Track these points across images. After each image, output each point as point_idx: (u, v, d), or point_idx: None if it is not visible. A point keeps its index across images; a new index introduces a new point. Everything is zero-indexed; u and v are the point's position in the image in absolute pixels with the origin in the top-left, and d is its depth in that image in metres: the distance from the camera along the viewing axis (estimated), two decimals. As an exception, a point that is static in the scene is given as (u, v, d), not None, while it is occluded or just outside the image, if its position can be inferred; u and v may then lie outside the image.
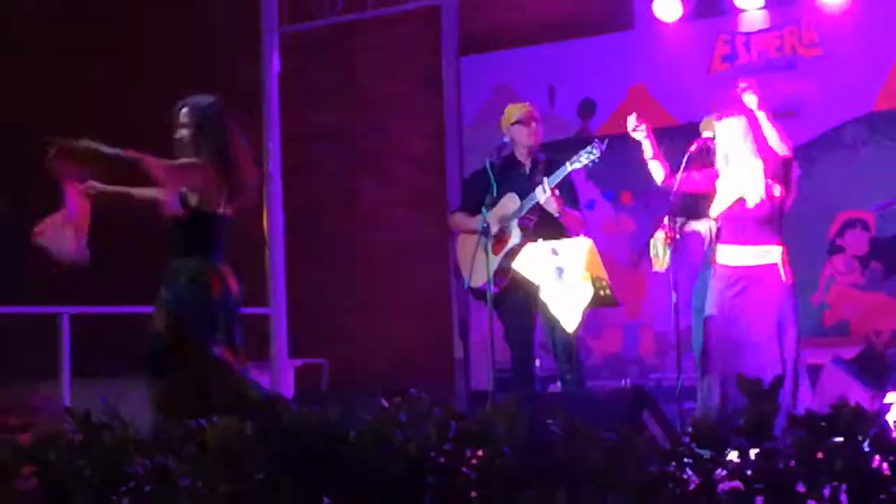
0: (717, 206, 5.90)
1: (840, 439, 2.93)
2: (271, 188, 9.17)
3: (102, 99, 9.77)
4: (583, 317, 6.22)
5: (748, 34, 9.19)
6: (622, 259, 9.07)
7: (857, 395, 6.77)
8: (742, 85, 5.80)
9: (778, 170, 5.84)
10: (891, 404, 6.19)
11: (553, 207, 6.49)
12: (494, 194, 6.60)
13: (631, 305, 9.41)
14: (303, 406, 3.67)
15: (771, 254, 5.80)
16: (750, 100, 5.72)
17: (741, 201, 5.80)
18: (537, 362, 7.72)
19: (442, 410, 3.43)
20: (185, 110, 5.21)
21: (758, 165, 5.82)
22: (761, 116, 5.75)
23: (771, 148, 5.87)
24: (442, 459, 3.37)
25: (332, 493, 3.44)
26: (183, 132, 5.19)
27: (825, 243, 8.84)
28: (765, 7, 9.06)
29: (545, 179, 6.48)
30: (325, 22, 9.37)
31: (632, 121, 6.04)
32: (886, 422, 2.96)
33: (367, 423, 3.48)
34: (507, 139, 6.72)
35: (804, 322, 7.82)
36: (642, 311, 9.44)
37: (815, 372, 7.31)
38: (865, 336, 8.54)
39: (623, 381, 8.78)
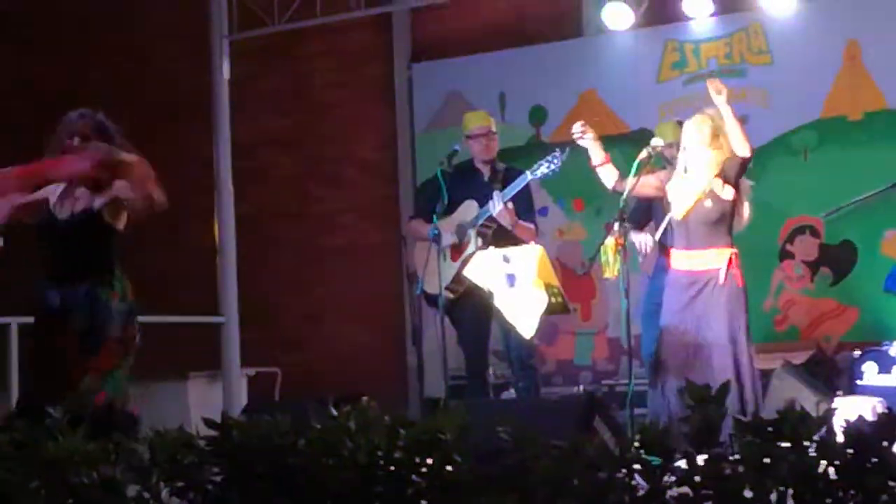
0: (681, 208, 5.89)
1: (787, 444, 2.94)
2: (221, 195, 9.14)
3: (43, 99, 9.68)
4: (539, 323, 6.24)
5: (697, 41, 9.25)
6: (574, 266, 9.10)
7: (806, 400, 6.82)
8: (711, 82, 5.82)
9: (731, 171, 5.86)
10: (837, 409, 6.21)
11: (506, 221, 6.51)
12: (445, 202, 6.60)
13: (583, 312, 9.45)
14: (255, 416, 3.64)
15: (723, 256, 5.82)
16: (719, 97, 5.74)
17: (700, 203, 5.82)
18: (491, 370, 7.74)
19: (392, 418, 3.42)
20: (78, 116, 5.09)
21: (718, 167, 5.86)
22: (727, 114, 5.77)
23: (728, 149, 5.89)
24: (392, 468, 3.36)
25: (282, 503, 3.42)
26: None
27: (775, 249, 8.90)
28: (714, 15, 9.12)
29: (496, 194, 6.49)
30: (275, 28, 9.36)
31: (577, 127, 6.05)
32: (832, 426, 2.97)
33: (316, 432, 3.46)
34: (457, 146, 6.73)
35: (754, 328, 7.90)
36: (595, 318, 9.47)
37: (764, 377, 7.37)
38: (815, 341, 8.61)
39: (576, 388, 8.81)
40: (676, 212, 5.88)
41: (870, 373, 7.46)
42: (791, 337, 8.77)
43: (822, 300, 8.80)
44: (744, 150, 5.79)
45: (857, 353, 7.68)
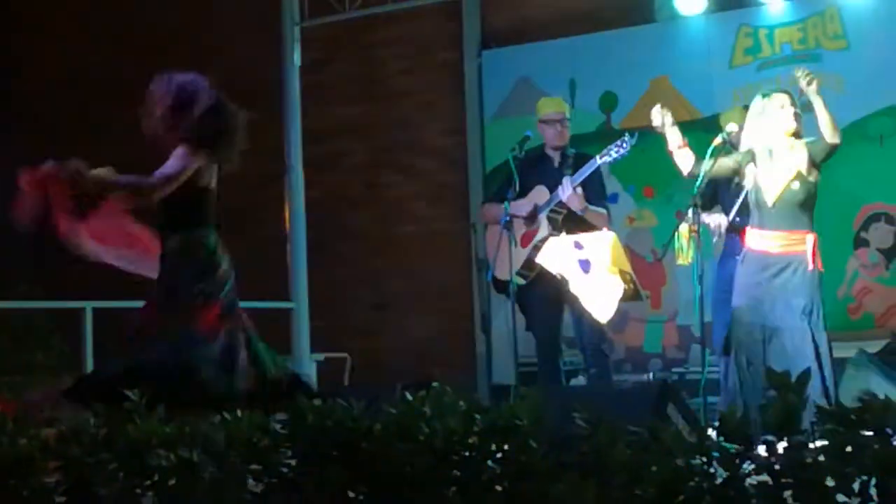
0: (773, 192, 5.81)
1: (870, 433, 2.90)
2: (292, 182, 9.19)
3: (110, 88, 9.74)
4: (618, 309, 6.21)
5: (771, 26, 9.14)
6: (644, 252, 9.05)
7: (881, 389, 6.73)
8: (801, 71, 5.74)
9: (818, 155, 5.78)
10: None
11: (576, 206, 6.48)
12: (517, 188, 6.58)
13: (653, 299, 9.39)
14: (326, 401, 3.65)
15: (803, 241, 5.75)
16: (809, 87, 5.66)
17: (789, 186, 5.75)
18: (562, 356, 7.72)
19: (467, 403, 3.41)
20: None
21: (805, 149, 5.80)
22: (818, 103, 5.69)
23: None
24: (467, 453, 3.35)
25: (357, 488, 3.42)
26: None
27: (850, 236, 8.79)
28: (788, -1, 9.02)
29: (566, 179, 6.47)
30: (346, 16, 9.38)
31: (657, 112, 5.99)
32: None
33: (391, 417, 3.46)
34: (529, 133, 6.71)
35: (829, 315, 7.81)
36: (665, 305, 9.41)
37: (838, 365, 7.28)
38: (890, 330, 8.49)
39: (647, 375, 8.77)
40: (768, 196, 5.78)
41: (947, 362, 7.36)
42: (865, 325, 8.65)
43: (896, 288, 8.69)
44: (833, 138, 5.70)
45: (931, 341, 7.57)
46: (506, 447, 3.31)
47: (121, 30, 11.03)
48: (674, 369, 8.75)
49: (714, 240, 6.33)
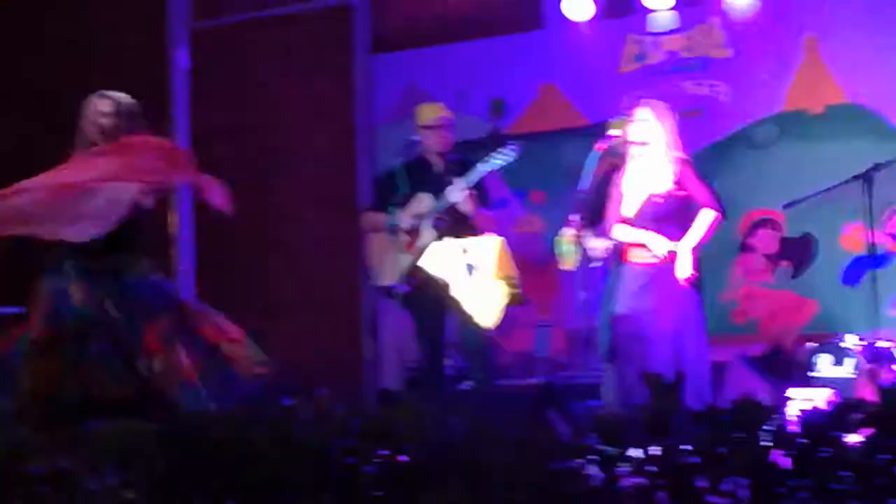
0: (633, 203, 5.88)
1: (740, 434, 2.93)
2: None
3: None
4: (502, 314, 6.22)
5: (658, 34, 9.26)
6: (533, 257, 9.09)
7: (761, 391, 6.85)
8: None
9: (686, 166, 5.86)
10: (791, 399, 6.25)
11: (468, 208, 6.48)
12: (402, 194, 6.57)
13: (542, 304, 9.44)
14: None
15: (676, 249, 5.81)
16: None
17: (652, 196, 5.81)
18: (449, 361, 7.72)
19: (345, 408, 3.39)
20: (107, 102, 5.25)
21: (670, 158, 5.84)
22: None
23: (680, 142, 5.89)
24: (345, 458, 3.33)
25: (233, 495, 3.38)
26: (105, 122, 5.21)
27: (736, 242, 8.92)
28: (674, 7, 9.13)
29: (459, 181, 6.46)
30: (234, 18, 9.30)
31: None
32: (785, 416, 2.96)
33: (268, 423, 3.42)
34: (416, 138, 6.70)
35: (713, 320, 7.91)
36: (553, 310, 9.46)
37: (721, 369, 7.39)
38: (773, 334, 8.64)
39: (534, 380, 8.80)
40: (628, 208, 5.85)
41: (824, 365, 7.50)
42: (749, 330, 8.79)
43: (781, 293, 8.83)
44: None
45: (812, 344, 7.71)
46: (383, 452, 3.29)
47: None
48: (562, 374, 8.79)
49: (598, 264, 6.30)
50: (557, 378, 8.61)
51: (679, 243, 5.82)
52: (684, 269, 5.78)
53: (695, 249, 5.86)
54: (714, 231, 5.88)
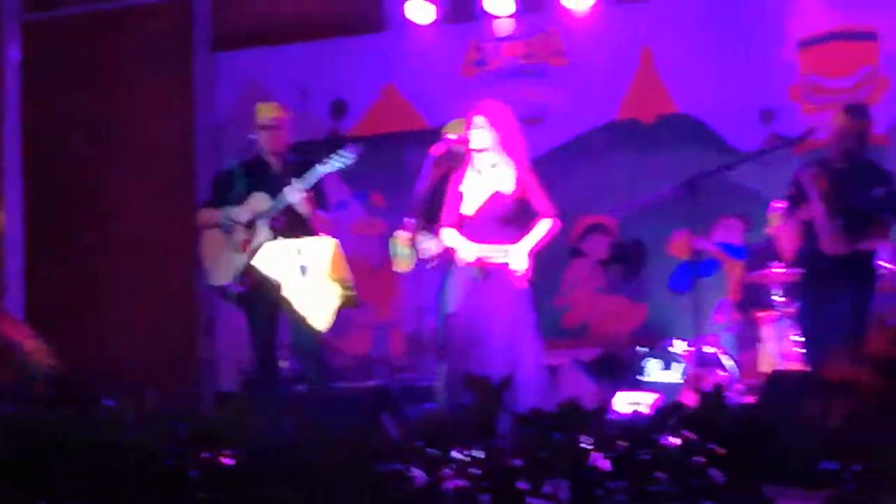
0: (472, 205, 5.92)
1: (563, 437, 2.98)
2: (8, 180, 8.86)
3: None
4: (334, 317, 6.20)
5: (498, 40, 9.36)
6: (372, 260, 9.10)
7: (591, 395, 6.98)
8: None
9: (526, 171, 5.92)
10: (613, 403, 6.37)
11: (304, 210, 6.44)
12: (241, 193, 6.50)
13: (380, 306, 9.45)
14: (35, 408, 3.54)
15: (509, 253, 5.85)
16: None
17: (491, 199, 5.85)
18: (284, 363, 7.67)
19: (169, 410, 3.35)
20: None
21: (509, 163, 5.89)
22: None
23: (520, 148, 5.94)
24: (170, 460, 3.29)
25: (56, 497, 3.32)
26: None
27: (568, 247, 9.06)
28: (514, 14, 9.24)
29: (296, 181, 6.42)
30: (68, 11, 9.10)
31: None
32: (606, 420, 3.03)
33: (93, 424, 3.37)
34: (254, 136, 6.64)
35: (545, 323, 8.02)
36: (391, 312, 9.48)
37: (553, 373, 7.50)
38: (604, 338, 8.80)
39: (369, 382, 8.80)
40: (469, 209, 5.90)
41: (652, 369, 7.68)
42: (581, 334, 8.94)
43: (611, 298, 9.01)
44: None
45: (642, 349, 7.88)
46: (209, 454, 3.26)
47: None
48: (399, 376, 8.81)
49: (428, 266, 6.31)
50: (394, 380, 8.62)
51: (516, 245, 5.87)
52: (520, 266, 5.83)
53: (530, 253, 5.93)
54: (550, 238, 5.96)
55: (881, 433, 2.42)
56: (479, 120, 5.88)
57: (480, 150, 5.88)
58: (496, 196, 5.85)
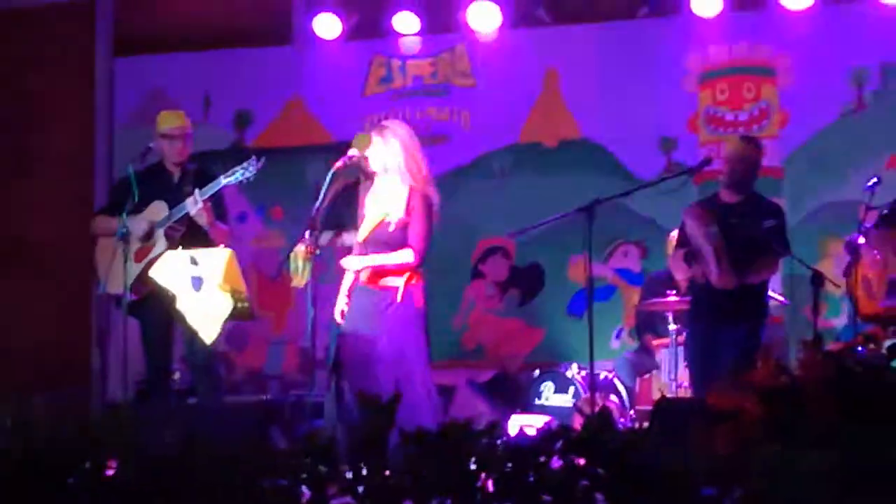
0: (365, 227, 5.86)
1: (448, 456, 2.97)
2: None
3: None
4: (222, 329, 6.12)
5: (404, 58, 9.37)
6: (270, 273, 9.03)
7: (485, 416, 6.98)
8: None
9: (418, 197, 5.84)
10: (499, 424, 6.36)
11: (203, 220, 6.37)
12: (136, 200, 6.41)
13: (277, 320, 9.39)
14: None
15: (399, 275, 5.77)
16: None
17: (380, 225, 5.79)
18: (176, 375, 7.58)
19: (51, 418, 3.28)
20: None
21: (405, 186, 5.80)
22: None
23: (421, 171, 5.86)
24: (50, 468, 3.22)
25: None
26: None
27: (468, 268, 9.09)
28: (421, 33, 9.26)
29: (197, 192, 6.34)
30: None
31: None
32: (494, 441, 3.03)
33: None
34: (151, 144, 6.56)
35: (443, 344, 8.02)
36: (288, 327, 9.42)
37: (449, 393, 7.51)
38: (500, 360, 8.83)
39: (264, 397, 8.73)
40: (362, 231, 5.83)
41: (547, 392, 7.73)
42: (478, 355, 8.96)
43: (509, 320, 9.04)
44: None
45: (537, 372, 7.92)
46: (90, 464, 3.20)
47: None
48: (293, 392, 8.74)
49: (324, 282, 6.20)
50: (288, 396, 8.56)
51: (367, 257, 5.78)
52: (351, 265, 5.77)
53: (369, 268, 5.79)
54: (400, 268, 5.83)
55: (762, 460, 2.46)
56: (377, 140, 5.82)
57: (377, 171, 5.83)
58: (384, 222, 5.77)
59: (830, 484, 2.27)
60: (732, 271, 6.05)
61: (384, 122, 6.05)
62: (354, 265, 5.81)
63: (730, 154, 6.44)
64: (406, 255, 5.71)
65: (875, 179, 5.91)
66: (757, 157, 6.45)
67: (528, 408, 7.69)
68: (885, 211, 6.00)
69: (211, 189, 6.39)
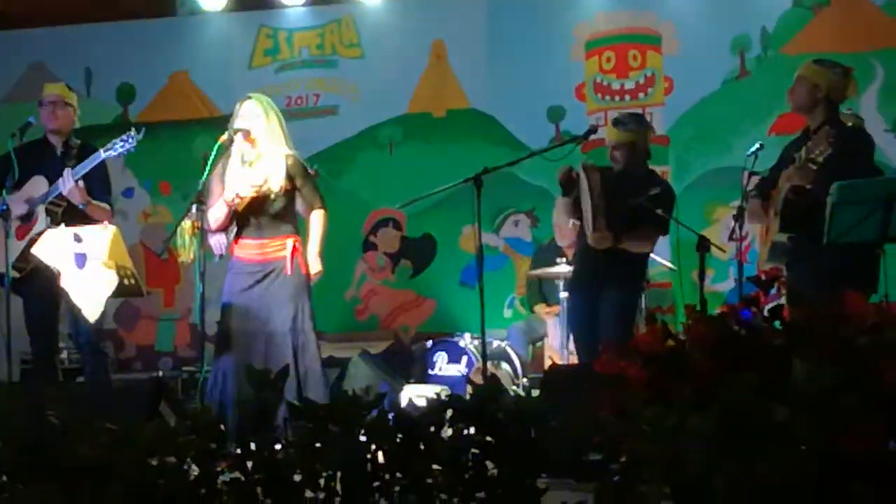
0: (242, 200, 5.81)
1: (338, 429, 2.96)
2: None
3: None
4: (105, 306, 6.02)
5: (291, 30, 9.29)
6: (159, 249, 8.91)
7: (380, 388, 6.97)
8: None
9: (295, 162, 5.86)
10: (388, 394, 6.36)
11: (77, 199, 6.22)
12: (16, 177, 6.26)
13: (166, 297, 9.29)
14: None
15: (284, 247, 5.80)
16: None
17: (264, 192, 5.77)
18: (64, 353, 7.45)
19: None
20: None
21: (279, 153, 5.81)
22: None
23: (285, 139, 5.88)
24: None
25: None
26: None
27: (359, 240, 9.07)
28: (308, 4, 9.19)
29: (67, 171, 6.20)
30: None
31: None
32: (383, 412, 3.01)
33: None
34: (32, 119, 6.40)
35: (336, 317, 8.00)
36: (178, 303, 9.33)
37: (343, 365, 7.49)
38: (393, 331, 8.84)
39: (155, 374, 8.63)
40: (238, 203, 5.78)
41: (441, 362, 7.74)
42: (371, 326, 8.96)
43: (401, 291, 9.05)
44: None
45: (431, 342, 7.94)
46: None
47: None
48: (185, 368, 8.66)
49: (215, 259, 6.16)
50: (179, 372, 8.48)
51: (308, 256, 5.81)
52: (317, 269, 5.81)
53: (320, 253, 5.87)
54: (326, 226, 5.91)
55: (646, 426, 2.48)
56: (245, 108, 5.82)
57: (247, 141, 5.81)
58: (265, 193, 5.75)
59: (709, 444, 2.30)
60: (608, 231, 6.06)
61: (254, 94, 6.01)
62: (318, 266, 5.81)
63: (611, 143, 6.33)
64: (320, 216, 5.81)
65: (758, 145, 5.96)
66: (635, 137, 6.29)
67: (423, 378, 7.70)
68: (757, 181, 6.04)
69: (87, 165, 6.23)
